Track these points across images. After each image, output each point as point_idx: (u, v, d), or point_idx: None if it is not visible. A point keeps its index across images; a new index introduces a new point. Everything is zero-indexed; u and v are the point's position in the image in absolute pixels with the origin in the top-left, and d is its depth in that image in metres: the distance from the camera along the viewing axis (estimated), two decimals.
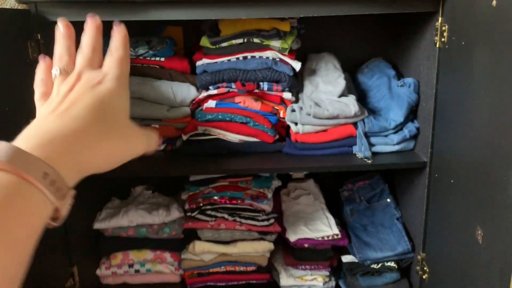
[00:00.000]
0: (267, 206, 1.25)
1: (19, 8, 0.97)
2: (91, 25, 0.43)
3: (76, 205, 1.18)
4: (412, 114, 1.15)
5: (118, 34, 0.45)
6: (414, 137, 1.14)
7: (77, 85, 0.38)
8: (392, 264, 1.19)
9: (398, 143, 1.13)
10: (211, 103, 1.17)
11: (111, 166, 0.37)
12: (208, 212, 1.23)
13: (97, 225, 1.23)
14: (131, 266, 1.26)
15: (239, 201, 1.23)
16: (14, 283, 0.29)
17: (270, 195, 1.26)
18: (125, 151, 0.37)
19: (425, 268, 1.12)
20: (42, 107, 0.38)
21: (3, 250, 0.28)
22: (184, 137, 1.19)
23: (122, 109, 0.39)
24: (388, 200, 1.28)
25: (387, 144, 1.14)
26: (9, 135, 0.85)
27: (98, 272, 1.26)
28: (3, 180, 0.29)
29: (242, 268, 1.28)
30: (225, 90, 1.16)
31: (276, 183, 1.30)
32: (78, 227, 1.17)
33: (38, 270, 0.99)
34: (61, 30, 0.44)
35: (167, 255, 1.27)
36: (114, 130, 0.37)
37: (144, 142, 0.39)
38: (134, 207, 1.27)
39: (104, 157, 0.36)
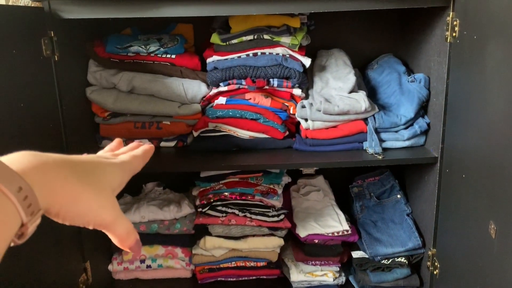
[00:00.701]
0: (277, 202, 1.25)
1: (32, 5, 0.98)
2: (145, 147, 0.51)
3: None
4: (422, 109, 1.15)
5: (144, 148, 0.51)
6: (425, 132, 1.14)
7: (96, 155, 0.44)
8: (403, 259, 1.19)
9: (408, 139, 1.13)
10: (222, 100, 1.18)
11: (72, 216, 0.38)
12: (219, 208, 1.24)
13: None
14: (142, 261, 1.28)
15: (249, 197, 1.24)
16: None
17: (280, 191, 1.27)
18: (91, 207, 0.38)
19: (436, 264, 1.12)
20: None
21: None
22: (195, 134, 1.20)
23: (111, 178, 0.42)
24: (398, 196, 1.28)
25: (398, 140, 1.14)
26: (24, 131, 0.86)
27: (110, 267, 1.28)
28: None
29: (252, 264, 1.29)
30: (236, 86, 1.16)
31: (286, 179, 1.31)
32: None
33: (52, 266, 1.00)
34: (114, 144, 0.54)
35: (178, 251, 1.28)
36: (92, 183, 0.39)
37: (110, 216, 0.40)
38: (145, 203, 1.29)
39: (71, 198, 0.37)
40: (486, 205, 0.82)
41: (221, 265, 1.28)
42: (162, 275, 1.30)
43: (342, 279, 1.26)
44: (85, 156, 0.41)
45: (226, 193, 1.24)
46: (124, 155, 0.47)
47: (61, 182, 0.36)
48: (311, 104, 1.14)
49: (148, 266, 1.28)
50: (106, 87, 1.18)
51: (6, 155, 0.36)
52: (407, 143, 1.14)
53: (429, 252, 1.14)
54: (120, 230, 0.41)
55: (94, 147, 1.21)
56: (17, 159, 0.35)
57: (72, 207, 0.37)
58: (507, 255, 0.75)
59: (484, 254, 0.84)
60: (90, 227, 0.39)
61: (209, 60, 1.17)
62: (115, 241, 0.42)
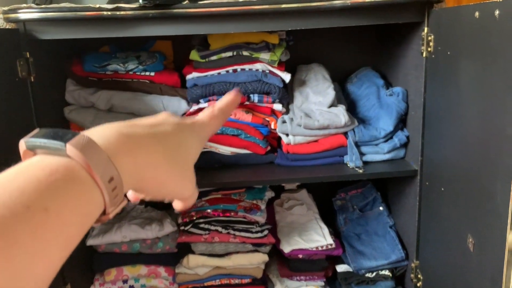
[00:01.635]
0: (260, 218, 1.25)
1: (7, 27, 0.97)
2: (229, 96, 0.47)
3: None
4: (401, 122, 1.16)
5: (229, 97, 0.47)
6: (404, 145, 1.15)
7: (171, 115, 0.41)
8: (387, 272, 1.19)
9: (388, 152, 1.14)
10: None
11: (156, 193, 0.38)
12: (202, 225, 1.23)
13: (90, 242, 1.22)
14: (125, 282, 1.25)
15: (232, 214, 1.23)
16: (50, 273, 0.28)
17: (263, 206, 1.26)
18: (174, 186, 0.38)
19: (419, 276, 1.12)
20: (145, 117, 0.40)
21: (52, 240, 0.27)
22: None
23: (193, 153, 0.40)
24: (381, 208, 1.29)
25: (378, 153, 1.15)
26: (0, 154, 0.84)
27: None
28: (75, 171, 0.29)
29: (237, 281, 1.27)
30: None
31: (269, 194, 1.30)
32: None
33: None
34: (230, 97, 0.48)
35: (162, 270, 1.26)
36: (179, 165, 0.38)
37: (190, 191, 0.41)
38: (127, 222, 1.27)
39: (158, 184, 0.37)
40: (464, 218, 0.83)
41: (206, 284, 1.27)
42: None
43: None
44: (168, 126, 0.38)
45: (209, 210, 1.23)
46: (203, 115, 0.44)
47: (151, 169, 0.35)
48: (292, 119, 1.14)
49: (131, 287, 1.26)
50: (84, 106, 1.17)
51: (93, 128, 0.34)
52: (387, 156, 1.15)
53: (412, 264, 1.15)
54: (192, 200, 0.42)
55: None
56: (107, 137, 0.33)
57: (159, 190, 0.37)
58: (485, 268, 0.75)
59: (464, 267, 0.84)
60: (166, 201, 0.40)
61: (188, 76, 1.17)
62: (178, 205, 0.42)
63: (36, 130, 0.32)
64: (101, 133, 0.34)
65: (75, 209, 0.29)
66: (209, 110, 0.44)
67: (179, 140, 0.39)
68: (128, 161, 0.33)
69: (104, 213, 0.32)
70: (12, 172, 0.29)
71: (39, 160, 0.30)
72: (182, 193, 0.39)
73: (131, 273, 1.26)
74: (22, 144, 0.32)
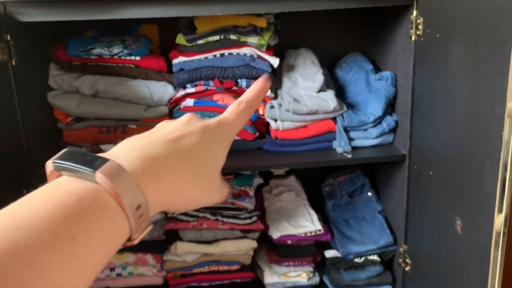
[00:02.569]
0: (249, 204, 1.24)
1: None
2: (257, 84, 0.43)
3: None
4: (390, 107, 1.16)
5: (257, 85, 0.43)
6: (393, 130, 1.15)
7: (193, 120, 0.38)
8: (375, 257, 1.19)
9: (377, 137, 1.14)
10: (189, 102, 1.16)
11: (183, 209, 0.37)
12: (190, 212, 1.21)
13: None
14: (112, 269, 1.24)
15: None
16: None
17: (252, 193, 1.25)
18: (203, 199, 0.37)
19: (407, 260, 1.13)
20: (166, 123, 0.38)
21: (78, 271, 0.26)
22: None
23: (220, 159, 0.38)
24: (369, 193, 1.29)
25: (367, 138, 1.14)
26: None
27: None
28: (102, 199, 0.29)
29: (225, 268, 1.27)
30: (203, 88, 1.14)
31: (258, 180, 1.30)
32: None
33: None
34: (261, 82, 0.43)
35: (149, 257, 1.25)
36: (206, 177, 0.36)
37: (219, 196, 0.39)
38: None
39: (185, 202, 0.36)
40: (452, 201, 0.83)
41: (194, 270, 1.26)
42: (133, 283, 1.26)
43: (316, 279, 1.25)
44: (192, 137, 0.36)
45: None
46: (228, 113, 0.40)
47: (178, 190, 0.34)
48: (280, 105, 1.13)
49: (119, 274, 1.25)
50: (68, 92, 1.14)
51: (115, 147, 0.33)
52: (376, 141, 1.14)
53: (401, 249, 1.15)
54: (223, 199, 0.41)
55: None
56: (133, 161, 0.32)
57: (185, 207, 0.36)
58: (472, 250, 0.76)
59: (452, 250, 0.85)
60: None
61: (175, 61, 1.14)
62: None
63: (64, 151, 0.32)
64: (126, 156, 0.32)
65: (102, 238, 0.28)
66: (235, 105, 0.41)
67: (205, 151, 0.37)
68: (155, 186, 0.32)
69: (129, 239, 0.32)
70: (40, 194, 0.28)
71: (67, 183, 0.29)
72: (211, 201, 0.38)
73: (118, 261, 1.24)
74: (50, 165, 0.31)
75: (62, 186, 0.29)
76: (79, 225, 0.27)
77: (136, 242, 0.32)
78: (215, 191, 0.38)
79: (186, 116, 0.39)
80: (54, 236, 0.25)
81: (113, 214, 0.29)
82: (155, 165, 0.33)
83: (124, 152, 0.33)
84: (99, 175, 0.29)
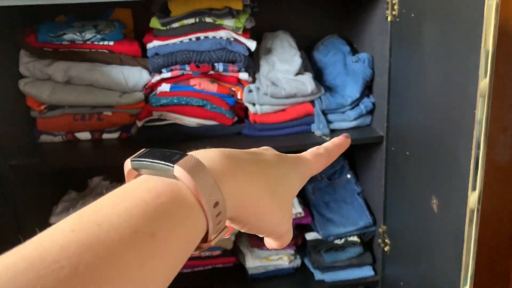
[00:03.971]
0: None
1: None
2: (338, 138, 0.43)
3: (31, 198, 1.13)
4: (367, 89, 1.16)
5: (338, 139, 0.43)
6: (371, 112, 1.15)
7: (269, 149, 0.38)
8: (355, 238, 1.21)
9: (355, 119, 1.14)
10: (165, 87, 1.14)
11: (252, 226, 0.35)
12: None
13: (54, 220, 1.18)
14: None
15: None
16: None
17: None
18: (274, 222, 0.35)
19: (386, 240, 1.14)
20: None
21: (158, 269, 0.26)
22: (139, 124, 1.15)
23: (294, 188, 0.37)
24: (349, 176, 1.29)
25: (345, 121, 1.14)
26: None
27: None
28: (181, 194, 0.28)
29: (207, 253, 1.27)
30: (179, 72, 1.13)
31: None
32: (34, 222, 1.12)
33: None
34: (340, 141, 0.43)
35: None
36: (279, 198, 0.35)
37: (286, 227, 0.37)
38: (91, 198, 1.23)
39: (258, 214, 0.34)
40: (428, 180, 0.84)
41: None
42: None
43: (298, 262, 1.26)
44: (270, 156, 0.36)
45: None
46: (308, 153, 0.40)
47: (255, 197, 0.33)
48: (258, 88, 1.12)
49: None
50: (40, 79, 1.11)
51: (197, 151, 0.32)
52: (354, 123, 1.15)
53: (380, 229, 1.16)
54: (287, 239, 0.38)
55: (32, 143, 1.14)
56: (211, 159, 0.31)
57: (257, 222, 0.34)
58: (448, 228, 0.77)
59: (428, 228, 0.86)
60: (261, 235, 0.36)
61: (149, 45, 1.12)
62: (271, 243, 0.38)
63: (143, 150, 0.31)
64: (204, 154, 0.32)
65: (180, 234, 0.27)
66: (314, 148, 0.41)
67: (281, 172, 0.36)
68: (232, 186, 0.31)
69: (205, 240, 0.30)
70: (119, 193, 0.27)
71: (145, 180, 0.29)
72: (280, 228, 0.37)
73: None
74: (128, 164, 0.31)
75: (140, 184, 0.28)
76: (158, 221, 0.26)
77: (213, 243, 0.31)
78: (285, 219, 0.37)
79: (265, 147, 0.39)
80: (134, 232, 0.25)
81: (191, 210, 0.28)
82: (234, 165, 0.32)
83: (202, 151, 0.32)
84: (177, 169, 0.28)
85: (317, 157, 0.41)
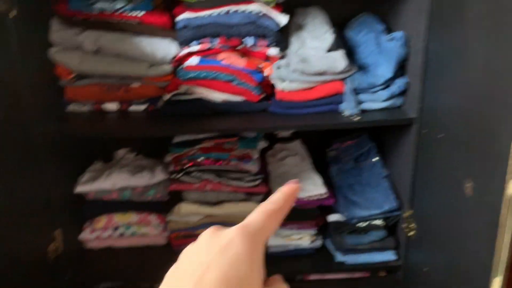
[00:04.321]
0: (253, 167, 1.22)
1: None
2: (288, 188, 0.38)
3: (58, 168, 1.15)
4: (401, 69, 1.12)
5: (285, 189, 0.38)
6: (403, 93, 1.12)
7: (212, 243, 0.34)
8: (379, 222, 1.19)
9: (386, 100, 1.11)
10: (194, 60, 1.12)
11: None
12: (194, 173, 1.20)
13: (79, 188, 1.19)
14: (115, 229, 1.24)
15: (224, 162, 1.20)
16: None
17: (256, 156, 1.24)
18: None
19: (411, 225, 1.12)
20: (186, 257, 0.34)
21: None
22: (166, 97, 1.15)
23: (254, 275, 0.33)
24: (375, 159, 1.27)
25: (375, 101, 1.11)
26: None
27: (81, 236, 1.24)
28: None
29: None
30: (208, 46, 1.11)
31: (262, 144, 1.28)
32: (61, 191, 1.13)
33: (20, 234, 0.96)
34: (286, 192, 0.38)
35: (153, 218, 1.25)
36: None
37: None
38: (117, 169, 1.24)
39: None
40: (463, 163, 0.81)
41: (197, 231, 1.26)
42: (136, 243, 1.27)
43: (319, 243, 1.25)
44: (216, 268, 0.31)
45: (200, 159, 1.20)
46: (255, 217, 0.36)
47: None
48: (287, 65, 1.10)
49: (122, 234, 1.25)
50: (70, 47, 1.11)
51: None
52: (384, 104, 1.11)
53: (405, 214, 1.14)
54: None
55: (60, 112, 1.15)
56: None
57: None
58: (482, 212, 0.74)
59: (460, 213, 0.83)
60: None
61: (179, 17, 1.10)
62: None
63: None
64: None
65: None
66: (263, 207, 0.37)
67: (233, 275, 0.31)
68: None
69: None
70: None
71: None
72: None
73: (121, 220, 1.24)
74: None
75: None
76: None
77: None
78: None
79: (205, 236, 0.35)
80: None
81: None
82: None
83: None
84: None
85: (269, 216, 0.36)
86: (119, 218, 1.24)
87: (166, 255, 1.25)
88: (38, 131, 1.02)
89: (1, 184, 0.89)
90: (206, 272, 0.31)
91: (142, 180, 1.22)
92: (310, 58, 1.08)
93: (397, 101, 1.13)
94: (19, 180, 0.97)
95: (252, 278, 0.32)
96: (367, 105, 1.11)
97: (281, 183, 1.23)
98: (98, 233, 1.24)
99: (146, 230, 1.25)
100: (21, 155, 0.98)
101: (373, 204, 1.19)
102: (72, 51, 1.11)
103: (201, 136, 1.19)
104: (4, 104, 0.92)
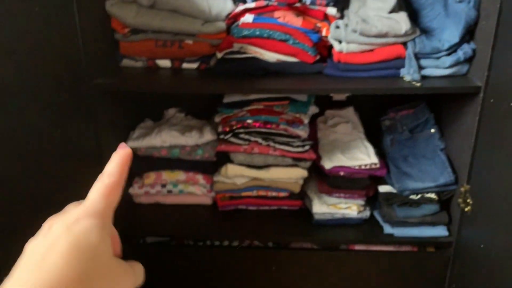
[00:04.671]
0: (302, 132, 1.20)
1: None
2: (119, 155, 0.38)
3: (110, 120, 1.16)
4: (469, 34, 1.04)
5: (117, 157, 0.37)
6: (469, 60, 1.05)
7: (55, 225, 0.33)
8: (433, 195, 1.13)
9: (450, 66, 1.04)
10: (248, 18, 1.09)
11: None
12: (242, 135, 1.19)
13: (130, 144, 1.21)
14: (163, 186, 1.26)
15: (273, 126, 1.18)
16: None
17: (306, 121, 1.21)
18: None
19: (468, 200, 1.06)
20: (30, 243, 0.33)
21: None
22: (219, 55, 1.13)
23: (103, 248, 0.33)
24: (433, 130, 1.20)
25: (438, 67, 1.05)
26: (39, 46, 0.79)
27: (131, 190, 1.27)
28: None
29: (274, 194, 1.26)
30: (264, 3, 1.08)
31: (313, 109, 1.24)
32: (112, 146, 1.15)
33: (70, 183, 0.98)
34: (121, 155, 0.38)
35: (200, 177, 1.26)
36: (97, 275, 0.32)
37: (131, 279, 0.36)
38: (167, 128, 1.25)
39: None
40: None
41: (242, 194, 1.26)
42: (182, 201, 1.28)
43: (367, 213, 1.22)
44: (56, 248, 0.32)
45: (249, 121, 1.19)
46: (95, 194, 0.36)
47: None
48: (346, 25, 1.05)
49: (169, 191, 1.26)
50: (126, 1, 1.10)
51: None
52: (448, 71, 1.05)
53: (462, 189, 1.08)
54: (140, 278, 0.37)
55: (114, 66, 1.16)
56: None
57: None
58: None
59: None
60: None
61: None
62: None
63: None
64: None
65: None
66: (98, 183, 0.36)
67: (84, 263, 0.32)
68: None
69: None
70: None
71: None
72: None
73: (169, 178, 1.26)
74: None
75: None
76: None
77: None
78: (122, 280, 0.34)
79: (45, 226, 0.34)
80: None
81: None
82: None
83: None
84: None
85: (109, 189, 0.35)
86: (167, 176, 1.26)
87: (211, 214, 1.27)
88: (93, 83, 1.03)
89: (56, 134, 0.91)
90: (51, 250, 0.31)
91: (190, 139, 1.22)
92: (371, 19, 1.03)
93: (462, 69, 1.06)
94: (73, 131, 0.99)
95: (105, 245, 0.33)
96: (429, 71, 1.05)
97: (330, 150, 1.20)
98: (147, 189, 1.26)
99: (192, 189, 1.26)
100: (76, 106, 0.99)
101: (427, 176, 1.13)
102: (128, 4, 1.10)
103: (251, 97, 1.17)
104: (64, 55, 0.94)
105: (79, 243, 0.32)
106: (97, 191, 0.36)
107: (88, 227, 0.33)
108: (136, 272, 0.37)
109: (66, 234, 0.32)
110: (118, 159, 0.37)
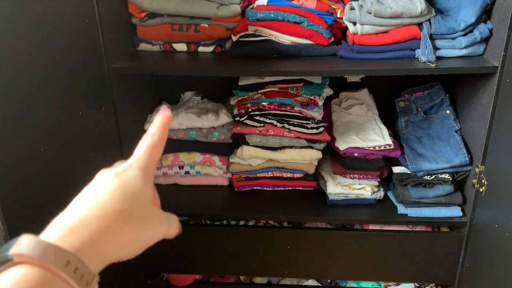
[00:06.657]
0: (317, 114, 1.21)
1: None
2: (161, 118, 0.42)
3: (128, 103, 1.19)
4: (485, 14, 1.03)
5: (159, 119, 0.42)
6: (485, 40, 1.04)
7: (107, 173, 0.39)
8: (447, 176, 1.14)
9: (466, 47, 1.04)
10: (263, 1, 1.10)
11: (134, 252, 0.38)
12: (257, 117, 1.21)
13: (147, 126, 1.24)
14: (181, 167, 1.29)
15: (288, 108, 1.20)
16: None
17: (321, 103, 1.22)
18: (148, 236, 0.39)
19: (483, 181, 1.06)
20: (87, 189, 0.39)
21: None
22: (234, 38, 1.14)
23: (144, 194, 0.39)
24: (448, 111, 1.20)
25: (454, 48, 1.04)
26: (59, 30, 0.81)
27: None
28: (28, 273, 0.31)
29: (289, 175, 1.28)
30: None
31: (328, 91, 1.25)
32: (130, 129, 1.18)
33: (91, 171, 1.02)
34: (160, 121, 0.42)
35: (216, 159, 1.28)
36: (137, 215, 0.38)
37: (165, 226, 0.41)
38: (183, 110, 1.27)
39: (128, 242, 0.37)
40: None
41: (258, 175, 1.28)
42: (200, 182, 1.32)
43: (381, 194, 1.23)
44: (107, 195, 0.37)
45: (264, 103, 1.20)
46: (140, 151, 0.41)
47: (112, 237, 0.36)
48: (361, 6, 1.05)
49: (187, 172, 1.30)
50: None
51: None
52: (464, 52, 1.04)
53: (476, 169, 1.09)
54: (173, 231, 0.42)
55: (132, 50, 1.18)
56: (48, 229, 0.35)
57: (132, 249, 0.38)
58: None
59: None
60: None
61: None
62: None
63: None
64: (47, 229, 0.35)
65: None
66: (143, 142, 0.41)
67: (128, 202, 0.38)
68: (80, 239, 0.34)
69: None
70: None
71: None
72: (156, 238, 0.40)
73: (187, 159, 1.29)
74: None
75: None
76: None
77: None
78: (157, 225, 0.39)
79: (98, 174, 0.40)
80: None
81: (42, 278, 0.31)
82: (74, 222, 0.35)
83: (48, 227, 0.35)
84: (13, 254, 0.31)
85: (151, 150, 0.40)
86: (184, 157, 1.29)
87: (227, 195, 1.30)
88: (113, 65, 1.06)
89: (77, 116, 0.95)
90: (102, 190, 0.37)
91: (207, 121, 1.24)
92: (386, 0, 1.02)
93: (478, 49, 1.05)
94: (93, 113, 1.02)
95: (146, 192, 0.39)
96: (444, 52, 1.05)
97: (345, 132, 1.21)
98: (165, 170, 1.29)
99: (209, 170, 1.29)
100: (95, 89, 1.02)
101: (442, 157, 1.14)
102: None
103: (266, 80, 1.19)
104: (83, 40, 0.96)
105: (125, 187, 0.38)
106: (141, 148, 0.41)
107: (134, 175, 0.39)
108: (171, 222, 0.41)
109: (115, 179, 0.38)
110: (160, 121, 0.42)
